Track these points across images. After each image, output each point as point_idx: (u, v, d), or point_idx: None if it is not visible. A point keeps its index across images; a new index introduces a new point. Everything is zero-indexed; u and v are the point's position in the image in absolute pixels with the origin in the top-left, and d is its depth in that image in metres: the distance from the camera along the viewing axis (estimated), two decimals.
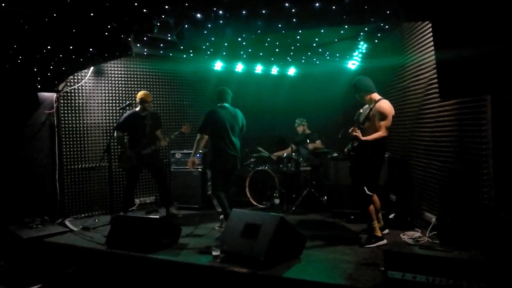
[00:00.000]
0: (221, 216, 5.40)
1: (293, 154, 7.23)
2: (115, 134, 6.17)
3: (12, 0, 4.23)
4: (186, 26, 5.36)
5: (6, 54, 5.33)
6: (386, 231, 4.92)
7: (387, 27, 5.97)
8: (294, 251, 4.21)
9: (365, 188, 4.56)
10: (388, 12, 4.49)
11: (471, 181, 4.09)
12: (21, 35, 4.97)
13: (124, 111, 6.34)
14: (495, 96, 3.62)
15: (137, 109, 6.22)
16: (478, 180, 3.93)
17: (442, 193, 4.79)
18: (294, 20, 4.78)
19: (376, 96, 4.71)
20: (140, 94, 6.22)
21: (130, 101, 6.70)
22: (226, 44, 6.65)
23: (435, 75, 4.31)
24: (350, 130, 4.48)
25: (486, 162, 3.80)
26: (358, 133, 4.43)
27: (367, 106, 4.81)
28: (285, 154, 7.19)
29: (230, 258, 4.11)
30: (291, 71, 8.84)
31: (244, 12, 4.66)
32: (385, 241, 4.56)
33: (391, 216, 5.62)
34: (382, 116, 4.48)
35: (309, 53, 7.46)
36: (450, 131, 4.61)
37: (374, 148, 4.55)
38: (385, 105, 4.55)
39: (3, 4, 4.27)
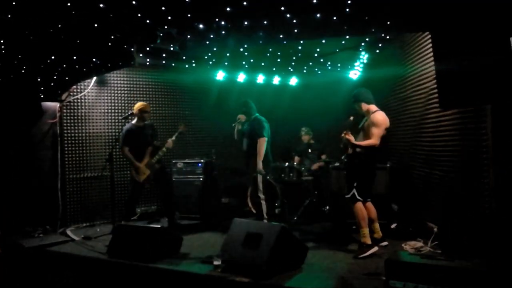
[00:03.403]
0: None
1: (295, 163, 7.24)
2: (123, 151, 6.12)
3: (18, 11, 4.29)
4: (188, 36, 5.40)
5: (11, 64, 5.39)
6: (385, 243, 4.89)
7: (388, 37, 6.02)
8: (296, 261, 4.19)
9: (355, 192, 4.63)
10: (388, 23, 4.52)
11: (471, 190, 4.10)
12: (26, 46, 5.03)
13: (127, 121, 6.36)
14: (495, 105, 3.64)
15: (134, 121, 6.17)
16: (479, 189, 3.94)
17: (443, 203, 4.78)
18: (296, 30, 4.82)
19: (373, 107, 4.79)
20: (140, 105, 6.16)
21: (133, 111, 6.71)
22: (228, 54, 6.71)
23: (436, 85, 4.34)
24: (342, 134, 4.57)
25: (486, 171, 3.81)
26: (350, 137, 4.53)
27: (365, 118, 4.87)
28: (286, 164, 7.20)
29: (231, 268, 4.09)
30: (293, 81, 8.89)
31: (246, 23, 4.70)
32: (376, 248, 4.53)
33: (393, 226, 5.60)
34: (375, 125, 4.57)
35: (310, 63, 7.51)
36: (450, 141, 4.63)
37: (365, 157, 4.63)
38: (379, 116, 4.64)
39: (8, 15, 4.32)
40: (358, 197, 4.62)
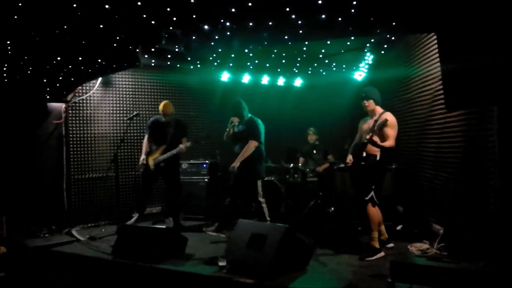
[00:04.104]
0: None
1: (300, 165, 7.23)
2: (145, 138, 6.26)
3: (24, 12, 4.31)
4: (193, 37, 5.41)
5: (17, 65, 5.41)
6: (391, 244, 4.87)
7: (393, 38, 6.00)
8: (301, 262, 4.18)
9: (374, 195, 4.57)
10: (394, 24, 4.51)
11: (478, 192, 4.07)
12: (32, 46, 5.05)
13: (132, 122, 6.37)
14: (501, 106, 3.62)
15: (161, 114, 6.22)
16: (485, 191, 3.91)
17: (449, 204, 4.76)
18: (301, 31, 4.81)
19: (379, 109, 4.74)
20: (161, 105, 6.16)
21: (138, 112, 6.74)
22: (233, 55, 6.71)
23: (441, 86, 4.32)
24: (368, 136, 4.43)
25: (492, 172, 3.78)
26: (376, 138, 4.39)
27: (368, 118, 4.83)
28: (292, 165, 7.20)
29: (236, 269, 4.09)
30: (298, 82, 8.88)
31: (251, 23, 4.70)
32: (383, 253, 4.51)
33: (399, 227, 5.57)
34: (390, 126, 4.48)
35: (315, 64, 7.49)
36: (456, 142, 4.60)
37: (384, 158, 4.57)
38: (391, 117, 4.57)
39: (15, 17, 4.35)
40: (375, 200, 4.58)
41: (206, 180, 7.00)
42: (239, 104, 5.79)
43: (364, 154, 4.61)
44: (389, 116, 4.56)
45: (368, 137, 4.42)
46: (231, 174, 5.73)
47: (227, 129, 5.82)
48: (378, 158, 4.56)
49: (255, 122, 5.74)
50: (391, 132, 4.48)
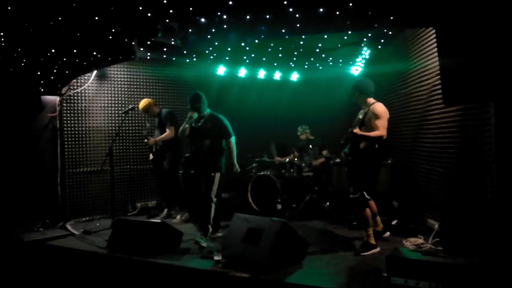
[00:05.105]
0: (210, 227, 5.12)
1: (296, 159, 7.22)
2: None
3: (18, 3, 4.25)
4: (190, 30, 5.37)
5: (11, 57, 5.35)
6: (388, 233, 4.90)
7: (390, 33, 5.99)
8: (297, 256, 4.18)
9: (364, 193, 4.54)
10: (391, 18, 4.49)
11: (474, 187, 4.08)
12: (26, 38, 4.99)
13: (127, 115, 6.43)
14: (498, 102, 3.62)
15: None
16: (481, 187, 3.92)
17: (445, 200, 4.77)
18: (298, 25, 4.79)
19: (371, 100, 4.64)
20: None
21: (133, 105, 6.70)
22: (229, 49, 6.68)
23: (438, 81, 4.31)
24: (349, 130, 4.42)
25: (489, 168, 3.79)
26: (356, 129, 4.36)
27: (362, 111, 4.77)
28: (288, 159, 7.21)
29: (232, 263, 4.09)
30: (294, 76, 8.86)
31: (248, 17, 4.67)
32: (378, 249, 4.50)
33: (394, 222, 5.58)
34: (377, 116, 4.41)
35: (312, 59, 7.48)
36: (453, 138, 4.61)
37: (372, 152, 4.49)
38: (379, 107, 4.48)
39: (8, 8, 4.29)
40: (367, 197, 4.56)
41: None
42: (199, 98, 5.28)
43: (353, 149, 4.57)
44: (378, 107, 4.47)
45: (349, 130, 4.40)
46: (196, 165, 5.53)
47: (185, 125, 5.31)
48: (366, 153, 4.48)
49: (221, 118, 5.32)
50: (379, 122, 4.38)
